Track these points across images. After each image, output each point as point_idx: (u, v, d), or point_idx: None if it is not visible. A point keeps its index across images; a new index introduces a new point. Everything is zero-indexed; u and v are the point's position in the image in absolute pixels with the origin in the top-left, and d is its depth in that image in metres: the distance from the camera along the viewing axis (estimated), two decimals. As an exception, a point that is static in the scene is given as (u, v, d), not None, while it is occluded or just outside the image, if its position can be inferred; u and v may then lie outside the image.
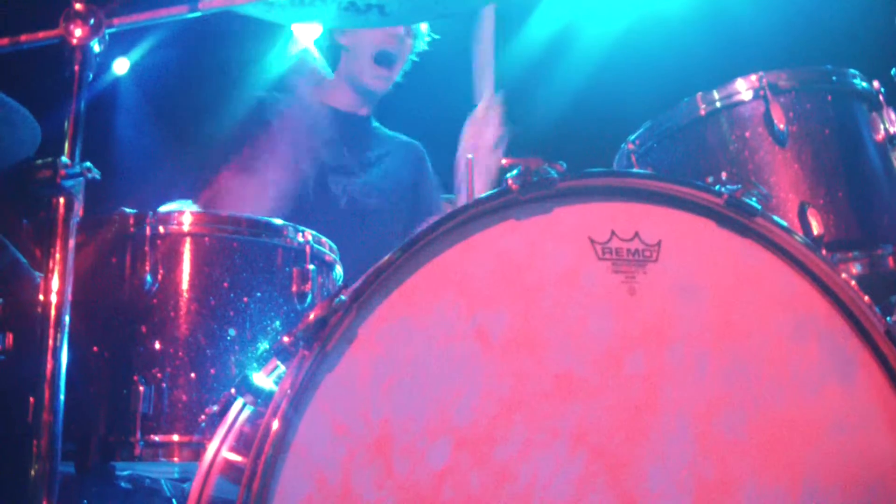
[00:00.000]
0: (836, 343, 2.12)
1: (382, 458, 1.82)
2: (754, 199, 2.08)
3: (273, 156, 3.68)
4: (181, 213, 2.56)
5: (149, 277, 2.48)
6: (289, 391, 1.76)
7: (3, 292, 2.76)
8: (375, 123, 4.11)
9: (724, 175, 2.08)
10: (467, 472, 1.87)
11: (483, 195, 1.95)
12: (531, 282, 1.98)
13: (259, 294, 2.55)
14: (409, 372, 1.87)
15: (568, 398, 1.96)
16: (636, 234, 2.04)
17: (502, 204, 1.96)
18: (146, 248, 2.50)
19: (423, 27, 3.97)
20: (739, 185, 2.07)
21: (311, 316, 1.77)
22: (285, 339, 1.87)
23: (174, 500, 2.68)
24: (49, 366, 2.10)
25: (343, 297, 1.78)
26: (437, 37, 3.99)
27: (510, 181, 1.94)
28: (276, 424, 1.75)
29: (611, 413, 1.98)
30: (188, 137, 4.84)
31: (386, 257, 1.86)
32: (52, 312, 2.13)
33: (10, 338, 2.71)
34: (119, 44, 5.46)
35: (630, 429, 1.98)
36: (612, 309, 2.01)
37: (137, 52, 5.53)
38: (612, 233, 2.03)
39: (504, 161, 1.93)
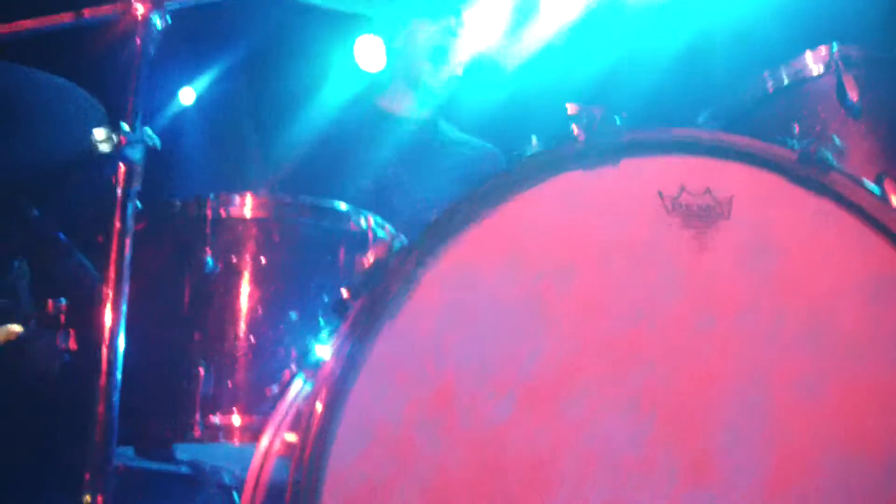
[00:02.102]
0: (918, 307, 2.02)
1: (445, 410, 1.76)
2: (829, 153, 2.00)
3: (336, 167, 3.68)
4: (243, 196, 2.54)
5: (210, 261, 2.46)
6: (348, 336, 1.71)
7: (67, 293, 2.76)
8: (445, 126, 4.05)
9: (796, 129, 2.00)
10: (533, 429, 1.80)
11: (549, 145, 1.89)
12: (598, 235, 1.91)
13: (321, 279, 2.51)
14: (473, 323, 1.81)
15: (637, 359, 1.88)
16: (707, 190, 1.97)
17: (567, 153, 1.90)
18: (207, 231, 2.48)
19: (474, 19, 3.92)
20: (813, 140, 2.00)
21: (370, 259, 1.72)
22: (343, 292, 1.82)
23: (234, 493, 2.63)
24: (104, 351, 2.08)
25: (404, 240, 1.73)
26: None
27: (575, 129, 1.88)
28: (335, 369, 1.70)
29: (683, 375, 1.89)
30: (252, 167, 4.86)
31: (448, 205, 1.81)
32: (111, 288, 2.12)
33: (73, 337, 2.71)
34: (184, 73, 5.53)
35: (703, 393, 1.90)
36: (683, 265, 1.93)
37: (202, 82, 5.58)
38: (682, 187, 1.96)
39: (570, 108, 1.87)
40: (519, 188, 1.87)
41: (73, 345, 2.69)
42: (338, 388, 1.70)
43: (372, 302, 1.72)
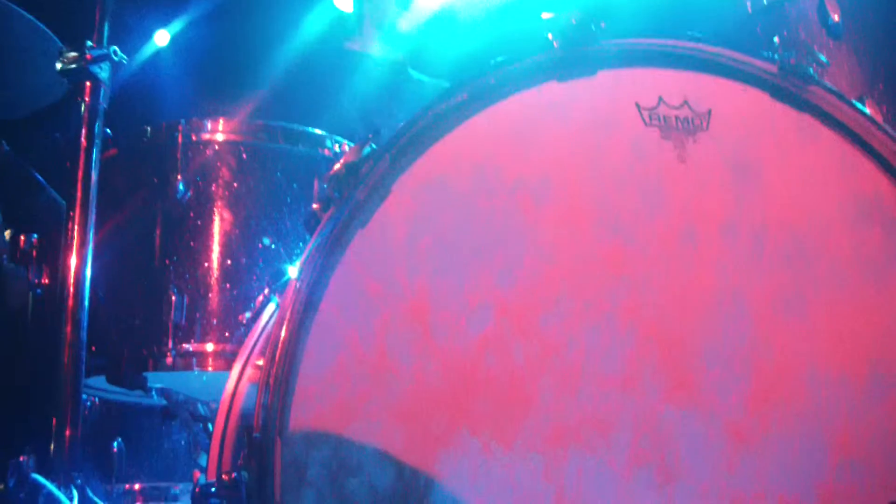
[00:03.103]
0: (901, 225, 1.99)
1: (419, 322, 1.71)
2: (810, 68, 1.96)
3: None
4: (215, 121, 2.49)
5: (181, 186, 2.42)
6: (319, 244, 1.66)
7: (39, 229, 2.72)
8: (414, 73, 4.03)
9: (777, 40, 1.96)
10: (510, 341, 1.75)
11: (523, 52, 1.84)
12: (575, 145, 1.86)
13: (294, 204, 2.47)
14: (447, 233, 1.75)
15: (617, 272, 1.84)
16: (685, 102, 1.93)
17: (543, 62, 1.85)
18: (178, 156, 2.43)
19: None
20: (794, 52, 1.95)
21: (340, 164, 1.67)
22: (314, 206, 1.78)
23: (209, 424, 2.60)
24: (71, 276, 2.04)
25: (374, 146, 1.68)
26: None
27: (550, 36, 1.83)
28: (305, 278, 1.65)
29: (663, 290, 1.86)
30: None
31: (420, 110, 1.75)
32: (77, 209, 2.07)
33: (46, 272, 2.66)
34: (158, 17, 5.44)
35: (682, 308, 1.86)
36: (662, 177, 1.89)
37: (177, 25, 5.50)
38: (660, 99, 1.92)
39: (544, 14, 1.82)
40: (493, 98, 1.81)
41: (45, 279, 2.65)
42: (306, 302, 1.64)
43: (342, 210, 1.66)
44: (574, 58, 1.85)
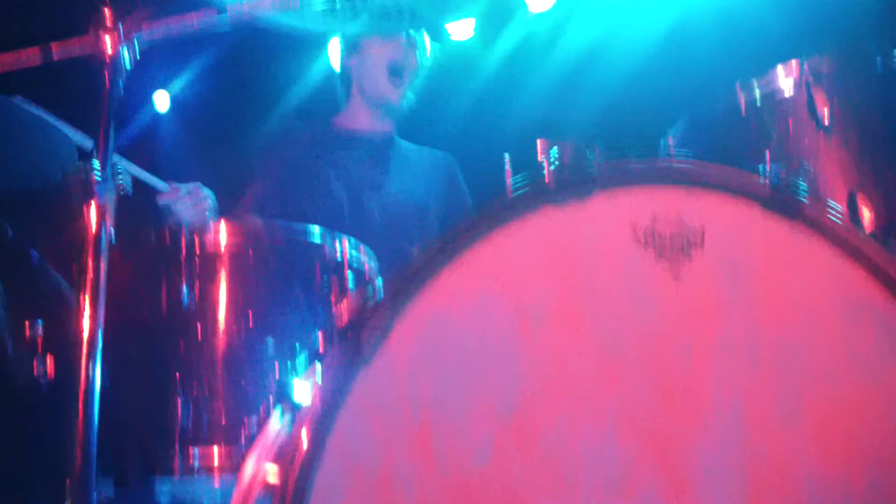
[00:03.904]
0: (895, 327, 2.02)
1: (422, 455, 1.76)
2: (801, 179, 2.01)
3: (301, 184, 3.71)
4: (216, 224, 2.53)
5: (185, 291, 2.45)
6: (324, 389, 1.71)
7: (43, 315, 2.75)
8: (400, 140, 4.11)
9: (767, 154, 2.00)
10: (512, 470, 1.80)
11: (517, 181, 1.89)
12: (571, 269, 1.91)
13: (297, 304, 2.51)
14: (448, 364, 1.81)
15: (613, 385, 1.88)
16: (680, 220, 1.97)
17: (538, 190, 1.90)
18: (182, 262, 2.47)
19: (427, 41, 3.99)
20: (784, 165, 2.00)
21: (344, 310, 1.73)
22: (319, 338, 1.83)
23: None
24: (82, 382, 2.07)
25: (376, 293, 1.73)
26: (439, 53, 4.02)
27: (546, 165, 1.88)
28: (312, 423, 1.70)
29: (659, 397, 1.90)
30: (225, 166, 4.87)
31: (420, 251, 1.81)
32: (86, 324, 2.11)
33: (51, 361, 2.70)
34: (159, 77, 5.52)
35: (679, 413, 1.90)
36: (657, 295, 1.94)
37: (177, 85, 5.58)
38: (654, 218, 1.96)
39: (539, 144, 1.87)
40: (489, 229, 1.86)
41: (50, 371, 2.68)
42: (315, 438, 1.70)
43: (346, 352, 1.72)
44: (568, 185, 1.90)
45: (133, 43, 2.20)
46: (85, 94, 2.22)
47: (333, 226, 3.37)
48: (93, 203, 2.10)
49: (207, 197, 3.41)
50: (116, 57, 2.18)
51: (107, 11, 2.15)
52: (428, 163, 4.07)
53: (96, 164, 2.10)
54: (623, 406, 1.88)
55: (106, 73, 2.16)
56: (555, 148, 1.88)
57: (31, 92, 2.74)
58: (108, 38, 2.18)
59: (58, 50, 2.21)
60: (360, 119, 4.01)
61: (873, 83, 2.55)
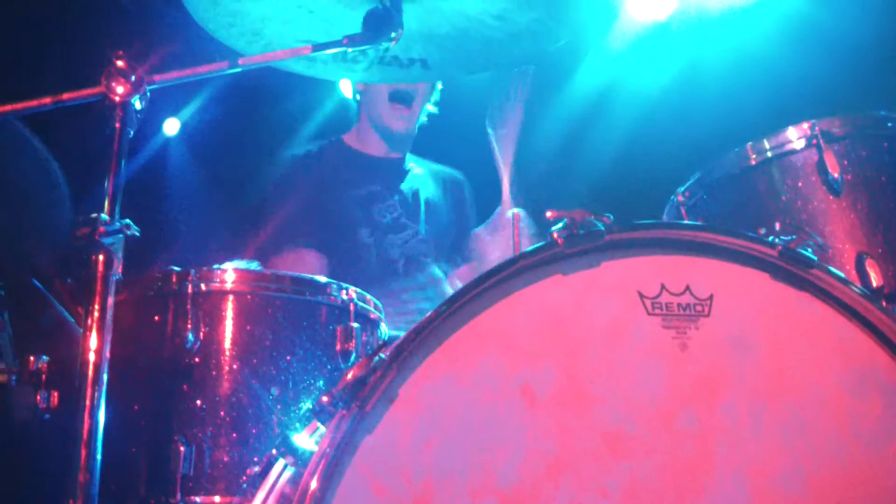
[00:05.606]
0: (899, 395, 2.02)
1: (424, 524, 1.75)
2: (809, 249, 2.00)
3: (319, 208, 3.71)
4: (223, 270, 2.53)
5: (190, 335, 2.44)
6: (327, 452, 1.71)
7: (48, 350, 2.75)
8: (410, 163, 4.12)
9: (777, 225, 2.00)
10: (514, 536, 1.79)
11: (528, 249, 1.89)
12: (578, 338, 1.91)
13: (302, 352, 2.51)
14: (452, 432, 1.80)
15: (617, 458, 1.88)
16: (687, 288, 1.97)
17: (548, 258, 1.90)
18: (188, 306, 2.46)
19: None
20: (794, 236, 2.00)
21: (350, 375, 1.72)
22: (324, 399, 1.82)
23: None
24: (86, 424, 2.07)
25: (383, 356, 1.73)
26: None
27: (555, 234, 1.88)
28: (314, 485, 1.70)
29: (663, 472, 1.90)
30: (237, 197, 4.88)
31: (427, 315, 1.81)
32: (91, 369, 2.10)
33: (55, 396, 2.69)
34: (169, 104, 5.53)
35: (683, 488, 1.90)
36: (663, 365, 1.93)
37: (187, 112, 5.59)
38: (662, 287, 1.96)
39: (549, 214, 1.87)
40: (500, 293, 1.86)
41: (53, 403, 2.68)
42: (316, 497, 1.70)
43: (350, 417, 1.71)
44: (577, 254, 1.90)
45: (144, 91, 2.20)
46: (95, 137, 2.22)
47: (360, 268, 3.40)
48: (100, 254, 2.10)
49: None
50: (127, 104, 2.18)
51: (119, 63, 2.15)
52: (437, 181, 4.12)
53: (104, 216, 2.10)
54: (627, 481, 1.88)
55: (117, 119, 2.15)
56: (564, 220, 1.87)
57: (43, 133, 2.74)
58: (119, 88, 2.18)
59: (70, 97, 2.20)
60: (369, 143, 4.03)
61: (884, 146, 2.55)
